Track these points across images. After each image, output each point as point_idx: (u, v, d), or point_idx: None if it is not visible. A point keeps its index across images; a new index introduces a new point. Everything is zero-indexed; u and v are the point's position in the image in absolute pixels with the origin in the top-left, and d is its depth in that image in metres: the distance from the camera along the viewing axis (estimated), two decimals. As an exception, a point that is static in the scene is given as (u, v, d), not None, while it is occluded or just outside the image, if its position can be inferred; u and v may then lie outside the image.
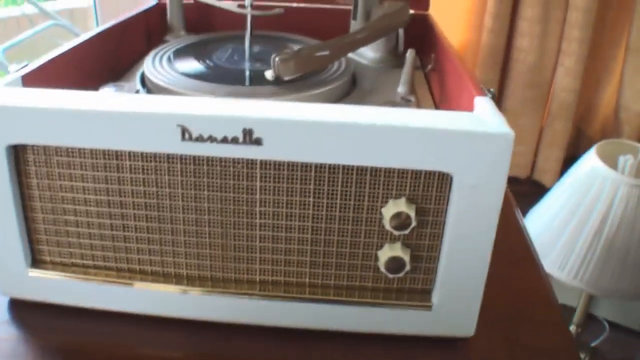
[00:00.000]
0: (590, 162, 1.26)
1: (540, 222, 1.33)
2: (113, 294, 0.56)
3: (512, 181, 1.54)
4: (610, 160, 1.25)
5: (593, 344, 1.63)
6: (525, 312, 0.62)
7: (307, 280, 0.55)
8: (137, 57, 0.81)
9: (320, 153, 0.48)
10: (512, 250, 0.71)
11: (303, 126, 0.47)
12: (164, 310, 0.57)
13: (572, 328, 1.52)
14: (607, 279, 1.24)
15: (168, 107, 0.48)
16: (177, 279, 0.56)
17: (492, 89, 0.56)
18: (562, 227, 1.27)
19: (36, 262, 0.57)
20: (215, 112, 0.47)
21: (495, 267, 0.52)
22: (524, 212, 1.41)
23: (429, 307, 0.54)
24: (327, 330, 0.57)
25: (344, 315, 0.55)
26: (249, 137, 0.47)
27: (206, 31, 0.88)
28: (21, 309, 0.58)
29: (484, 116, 0.49)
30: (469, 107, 0.54)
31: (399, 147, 0.47)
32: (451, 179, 0.49)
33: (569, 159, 1.47)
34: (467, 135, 0.47)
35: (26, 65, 0.57)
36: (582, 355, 1.57)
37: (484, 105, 0.52)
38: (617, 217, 1.21)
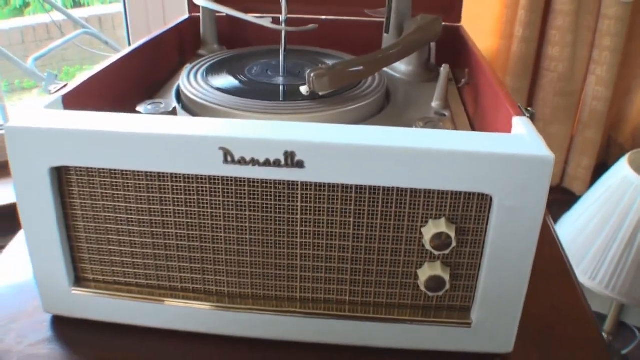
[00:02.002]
0: (622, 171, 1.25)
1: (571, 231, 1.32)
2: (155, 312, 0.57)
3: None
4: (642, 169, 1.25)
5: (624, 352, 1.62)
6: (562, 327, 0.62)
7: (347, 297, 0.56)
8: (172, 71, 0.82)
9: (362, 175, 0.48)
10: (546, 263, 0.71)
11: (346, 149, 0.47)
12: (204, 327, 0.57)
13: (603, 336, 1.50)
14: (640, 289, 1.23)
15: (210, 129, 0.48)
16: (219, 297, 0.57)
17: (530, 108, 0.56)
18: (593, 237, 1.26)
19: (79, 280, 0.58)
20: (257, 135, 0.48)
21: (531, 280, 0.52)
22: (554, 220, 1.40)
23: (469, 325, 0.55)
24: (366, 347, 0.57)
25: (383, 332, 0.56)
26: (291, 160, 0.48)
27: (239, 45, 0.89)
28: (64, 326, 0.59)
29: (523, 138, 0.49)
30: (506, 127, 0.54)
31: (439, 170, 0.48)
32: (491, 199, 0.49)
33: (600, 167, 1.46)
34: (508, 158, 0.47)
35: (65, 85, 0.58)
36: (613, 364, 1.56)
37: (522, 126, 0.52)
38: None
